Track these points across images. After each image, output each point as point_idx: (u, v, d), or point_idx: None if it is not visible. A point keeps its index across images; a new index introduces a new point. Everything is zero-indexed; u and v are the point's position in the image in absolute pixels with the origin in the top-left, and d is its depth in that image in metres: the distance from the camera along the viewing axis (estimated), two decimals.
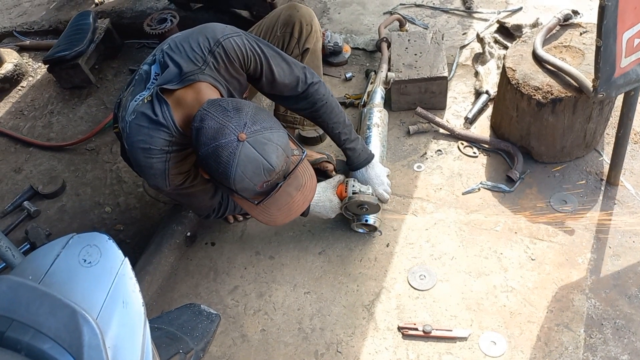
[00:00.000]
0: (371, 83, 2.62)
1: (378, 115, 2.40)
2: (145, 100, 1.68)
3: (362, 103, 2.56)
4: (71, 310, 0.87)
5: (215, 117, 1.50)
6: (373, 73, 2.66)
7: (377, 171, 2.15)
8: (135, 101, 1.70)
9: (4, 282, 0.90)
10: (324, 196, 2.13)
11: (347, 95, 2.76)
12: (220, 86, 1.73)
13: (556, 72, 2.15)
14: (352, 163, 2.13)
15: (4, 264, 2.36)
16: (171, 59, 1.69)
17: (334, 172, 2.35)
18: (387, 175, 2.19)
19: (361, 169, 2.12)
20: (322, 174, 2.35)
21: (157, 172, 1.70)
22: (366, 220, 2.15)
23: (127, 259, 1.07)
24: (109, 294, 0.98)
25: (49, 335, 0.86)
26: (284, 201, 1.67)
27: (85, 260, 1.02)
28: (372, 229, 2.20)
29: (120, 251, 1.06)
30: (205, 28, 1.76)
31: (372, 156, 2.14)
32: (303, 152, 1.68)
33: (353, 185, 2.10)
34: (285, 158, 1.57)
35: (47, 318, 0.86)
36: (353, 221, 2.18)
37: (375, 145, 2.31)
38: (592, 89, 1.91)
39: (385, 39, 2.89)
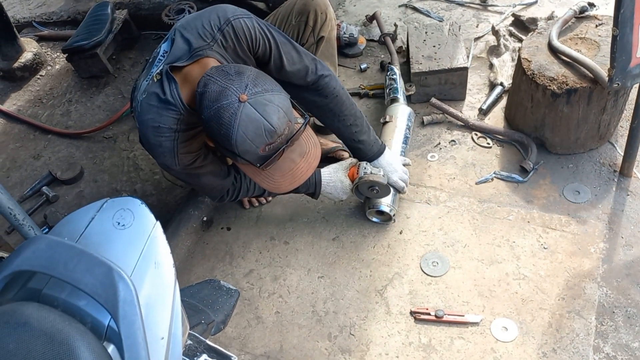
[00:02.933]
0: (392, 78, 2.61)
1: (406, 113, 2.42)
2: (155, 79, 1.71)
3: (389, 99, 2.52)
4: (107, 267, 0.91)
5: (217, 81, 1.53)
6: (394, 68, 2.66)
7: (389, 159, 2.15)
8: (147, 81, 1.74)
9: (43, 240, 0.94)
10: (335, 177, 2.15)
11: (362, 86, 2.79)
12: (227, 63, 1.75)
13: (571, 63, 2.17)
14: (365, 155, 2.13)
15: None
16: (182, 35, 1.73)
17: None
18: (406, 165, 2.21)
19: (373, 160, 2.14)
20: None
21: (166, 151, 1.73)
22: (379, 208, 2.17)
23: (158, 222, 1.11)
24: (142, 255, 1.02)
25: (85, 291, 0.90)
26: (287, 167, 1.67)
27: (119, 223, 1.06)
28: (387, 218, 2.23)
29: (152, 215, 1.10)
30: (217, 8, 1.79)
31: (383, 147, 2.15)
32: (306, 118, 1.67)
33: (365, 168, 2.11)
34: (287, 121, 1.57)
35: (84, 275, 0.90)
36: (367, 208, 2.21)
37: (398, 141, 2.33)
38: (607, 78, 1.93)
39: (388, 34, 2.90)
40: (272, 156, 1.60)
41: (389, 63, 2.69)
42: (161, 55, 1.76)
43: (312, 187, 2.16)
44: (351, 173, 2.15)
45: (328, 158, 2.41)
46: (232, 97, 1.50)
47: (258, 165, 1.61)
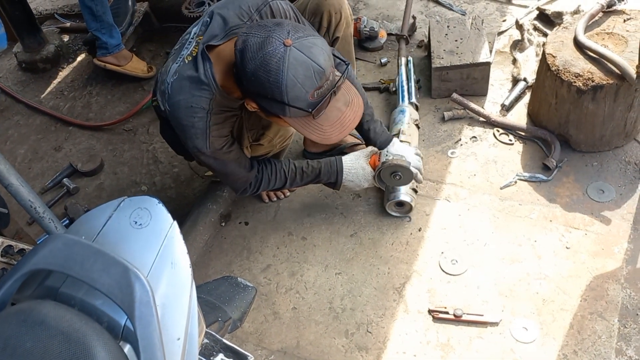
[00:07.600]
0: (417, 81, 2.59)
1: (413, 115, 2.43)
2: (187, 60, 1.71)
3: (414, 102, 2.49)
4: (124, 267, 0.90)
5: (257, 34, 1.52)
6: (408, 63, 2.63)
7: (398, 147, 2.12)
8: (177, 63, 1.73)
9: (60, 239, 0.95)
10: (357, 164, 2.12)
11: (382, 80, 2.76)
12: None
13: (598, 59, 2.11)
14: (374, 144, 2.14)
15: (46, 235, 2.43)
16: (219, 15, 1.73)
17: None
18: (419, 156, 2.18)
19: (383, 149, 2.13)
20: None
21: (198, 132, 1.73)
22: (399, 198, 2.14)
23: (175, 222, 1.11)
24: (159, 254, 1.02)
25: (102, 291, 0.90)
26: (335, 116, 1.66)
27: (136, 222, 1.06)
28: (406, 209, 2.21)
29: (169, 214, 1.10)
30: None
31: (391, 137, 2.15)
32: (347, 65, 1.66)
33: (387, 154, 2.09)
34: (331, 64, 1.57)
35: (101, 275, 0.90)
36: (387, 200, 2.18)
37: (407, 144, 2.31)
38: (635, 75, 1.88)
39: (404, 36, 2.81)
40: (321, 102, 1.58)
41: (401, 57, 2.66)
42: (191, 38, 1.76)
43: (333, 176, 2.13)
44: (372, 161, 2.13)
45: (346, 152, 2.39)
46: (276, 43, 1.49)
47: (310, 110, 1.58)
